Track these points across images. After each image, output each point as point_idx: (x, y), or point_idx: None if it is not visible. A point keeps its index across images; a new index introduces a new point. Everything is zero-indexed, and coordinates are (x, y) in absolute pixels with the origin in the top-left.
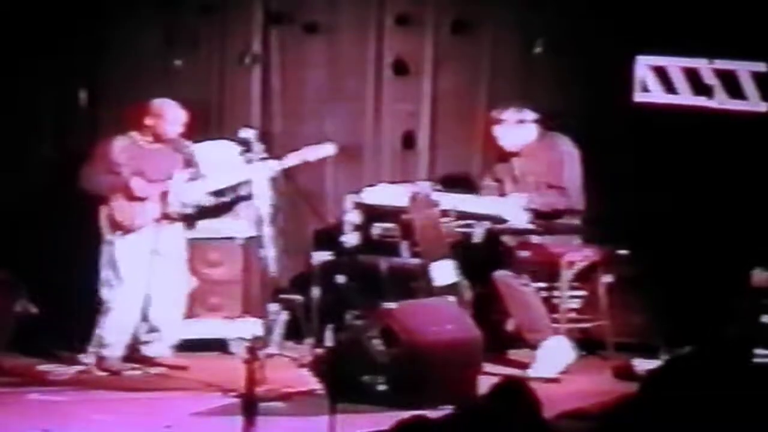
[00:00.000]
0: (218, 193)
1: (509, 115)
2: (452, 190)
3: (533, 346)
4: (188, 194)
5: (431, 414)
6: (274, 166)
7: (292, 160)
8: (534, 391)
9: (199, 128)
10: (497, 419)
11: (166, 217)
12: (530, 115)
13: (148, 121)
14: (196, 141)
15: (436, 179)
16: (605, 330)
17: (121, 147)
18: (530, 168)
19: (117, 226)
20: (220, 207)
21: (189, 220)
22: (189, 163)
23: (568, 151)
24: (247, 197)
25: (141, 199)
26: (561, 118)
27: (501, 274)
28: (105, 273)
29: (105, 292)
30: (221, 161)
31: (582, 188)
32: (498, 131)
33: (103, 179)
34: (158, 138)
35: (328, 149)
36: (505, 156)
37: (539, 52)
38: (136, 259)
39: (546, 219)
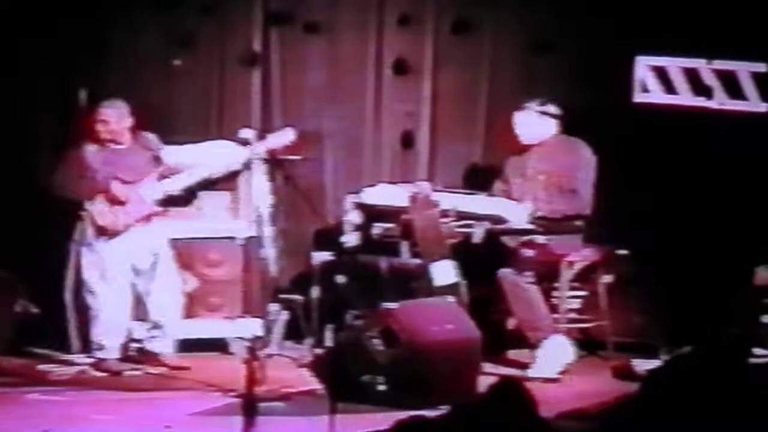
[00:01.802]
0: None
1: (533, 104)
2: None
3: (534, 346)
4: (164, 190)
5: (430, 414)
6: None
7: (259, 148)
8: (530, 391)
9: (199, 128)
10: (494, 419)
11: (147, 216)
12: (553, 110)
13: (97, 129)
14: (196, 141)
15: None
16: (605, 330)
17: (93, 152)
18: (543, 167)
19: (101, 231)
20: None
21: (171, 215)
22: (158, 159)
23: (586, 156)
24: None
25: (122, 202)
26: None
27: (505, 272)
28: (89, 277)
29: (90, 297)
30: (220, 159)
31: (592, 194)
32: (518, 118)
33: (79, 185)
34: (116, 141)
35: (288, 135)
36: (518, 149)
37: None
38: (122, 261)
39: (548, 220)
